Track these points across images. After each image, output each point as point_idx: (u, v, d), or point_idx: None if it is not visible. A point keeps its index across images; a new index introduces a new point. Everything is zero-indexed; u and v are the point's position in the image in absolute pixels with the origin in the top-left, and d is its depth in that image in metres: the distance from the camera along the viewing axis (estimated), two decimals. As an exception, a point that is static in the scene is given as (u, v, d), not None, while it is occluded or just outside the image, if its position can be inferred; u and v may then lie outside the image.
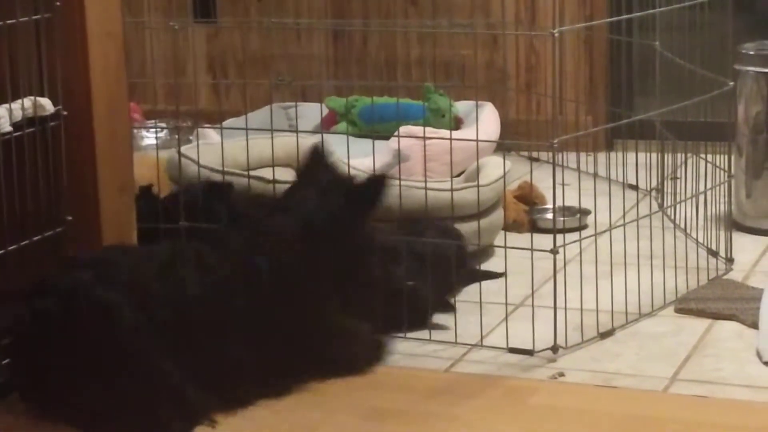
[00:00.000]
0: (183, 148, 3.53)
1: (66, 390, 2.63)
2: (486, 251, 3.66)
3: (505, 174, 3.63)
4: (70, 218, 3.00)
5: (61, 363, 2.63)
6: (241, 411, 2.76)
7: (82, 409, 2.62)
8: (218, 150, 3.54)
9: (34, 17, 2.91)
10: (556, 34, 3.03)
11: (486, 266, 3.57)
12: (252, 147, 3.48)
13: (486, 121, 4.48)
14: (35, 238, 2.92)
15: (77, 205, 3.00)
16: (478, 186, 3.52)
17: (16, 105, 2.87)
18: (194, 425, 2.66)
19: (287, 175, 3.62)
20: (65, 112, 2.97)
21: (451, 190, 3.48)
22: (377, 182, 3.01)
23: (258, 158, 3.58)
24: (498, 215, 3.79)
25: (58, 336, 2.63)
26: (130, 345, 2.63)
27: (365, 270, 3.05)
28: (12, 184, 2.87)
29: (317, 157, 3.13)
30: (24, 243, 2.89)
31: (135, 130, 4.72)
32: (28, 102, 2.89)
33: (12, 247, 2.85)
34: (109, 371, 2.60)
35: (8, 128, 2.85)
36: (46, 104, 2.94)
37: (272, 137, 3.43)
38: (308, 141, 3.81)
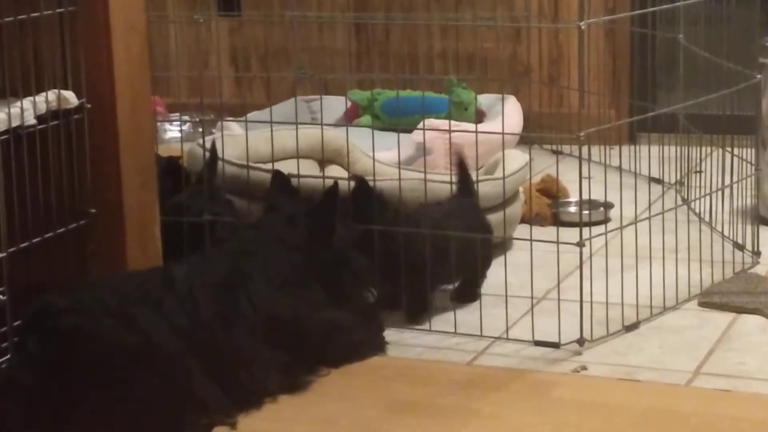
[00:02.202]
0: (205, 140, 3.54)
1: (81, 399, 2.59)
2: (504, 244, 3.65)
3: (529, 166, 3.62)
4: (93, 211, 3.00)
5: (76, 371, 2.60)
6: (265, 405, 2.77)
7: (93, 414, 2.58)
8: (240, 142, 3.54)
9: (59, 10, 2.92)
10: (583, 27, 3.02)
11: (507, 259, 3.56)
12: (274, 139, 3.48)
13: (509, 115, 4.47)
14: (59, 231, 2.93)
15: (100, 198, 3.01)
16: (503, 179, 3.52)
17: (40, 98, 2.88)
18: (211, 426, 2.65)
19: (310, 167, 3.62)
20: (89, 105, 2.98)
21: (479, 181, 3.47)
22: (332, 191, 3.12)
23: (280, 150, 3.57)
24: (515, 208, 3.79)
25: (71, 347, 2.62)
26: (148, 348, 2.63)
27: (348, 265, 3.12)
28: (36, 177, 2.88)
29: (281, 184, 3.23)
30: (48, 235, 2.90)
31: (158, 124, 4.73)
32: (52, 95, 2.90)
33: (36, 239, 2.87)
34: (125, 375, 2.60)
35: (33, 121, 2.86)
36: (70, 97, 2.95)
37: (296, 130, 3.44)
38: (332, 134, 3.82)
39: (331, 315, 3.02)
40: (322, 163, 3.76)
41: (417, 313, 3.23)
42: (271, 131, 3.44)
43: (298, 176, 3.33)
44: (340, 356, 2.99)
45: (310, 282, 3.00)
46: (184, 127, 4.90)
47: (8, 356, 2.74)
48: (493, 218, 3.53)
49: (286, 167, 3.47)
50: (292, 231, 3.05)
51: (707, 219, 3.80)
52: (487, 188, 3.56)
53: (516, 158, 3.79)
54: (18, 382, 2.60)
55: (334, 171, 3.71)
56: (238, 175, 3.53)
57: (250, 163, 3.47)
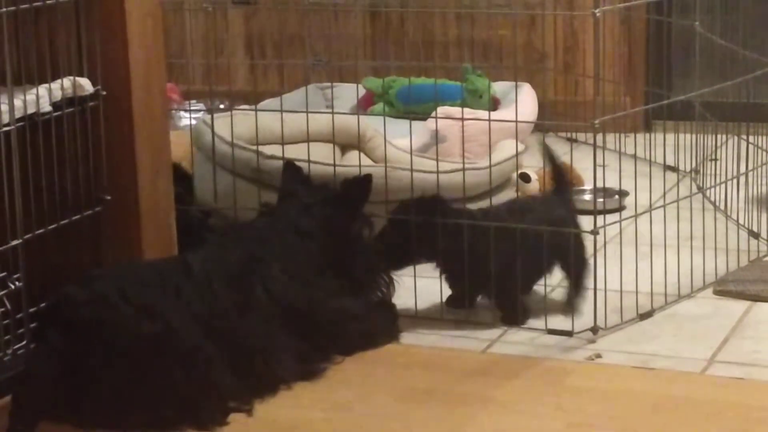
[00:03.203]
0: (217, 117, 3.56)
1: (101, 387, 2.61)
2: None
3: (535, 156, 3.60)
4: (108, 198, 3.01)
5: (95, 360, 2.61)
6: (281, 392, 2.78)
7: (114, 402, 2.60)
8: (260, 122, 3.55)
9: (74, -3, 2.92)
10: (598, 14, 3.01)
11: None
12: (296, 119, 3.48)
13: (523, 102, 4.47)
14: (74, 218, 2.94)
15: (115, 185, 3.01)
16: (497, 168, 3.51)
17: (55, 85, 2.88)
18: (228, 413, 2.67)
19: (329, 152, 3.61)
20: (104, 92, 2.98)
21: (471, 171, 3.45)
22: (365, 179, 3.11)
23: (300, 132, 3.57)
24: (506, 196, 3.75)
25: (89, 334, 2.63)
26: (167, 336, 2.64)
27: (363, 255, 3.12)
28: (51, 164, 2.89)
29: (293, 174, 3.21)
30: (63, 222, 2.91)
31: (173, 111, 4.73)
32: (67, 82, 2.91)
33: (52, 226, 2.88)
34: (145, 363, 2.61)
35: (48, 108, 2.86)
36: (85, 84, 2.95)
37: (307, 118, 3.44)
38: (346, 121, 3.82)
39: (345, 303, 3.02)
40: (338, 148, 3.76)
41: (509, 318, 3.16)
42: (281, 119, 3.44)
43: (308, 161, 3.33)
44: (354, 344, 2.99)
45: (325, 270, 3.01)
46: (198, 115, 4.90)
47: (24, 342, 2.76)
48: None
49: (311, 150, 3.47)
50: (308, 219, 3.05)
51: (722, 207, 3.79)
52: (469, 178, 3.51)
53: (506, 148, 3.78)
54: (38, 371, 2.61)
55: (354, 157, 3.68)
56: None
57: (263, 144, 3.49)
